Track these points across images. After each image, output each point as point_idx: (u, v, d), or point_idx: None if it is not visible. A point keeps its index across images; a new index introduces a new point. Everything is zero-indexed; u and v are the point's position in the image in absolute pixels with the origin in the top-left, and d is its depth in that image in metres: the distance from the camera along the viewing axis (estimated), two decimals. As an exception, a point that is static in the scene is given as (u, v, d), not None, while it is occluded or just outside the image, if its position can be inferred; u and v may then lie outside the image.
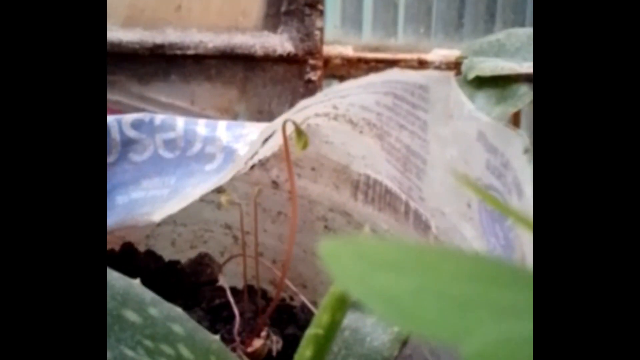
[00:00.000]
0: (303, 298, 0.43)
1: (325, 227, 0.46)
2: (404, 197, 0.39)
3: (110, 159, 0.44)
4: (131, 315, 0.31)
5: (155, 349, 0.32)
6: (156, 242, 0.51)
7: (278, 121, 0.36)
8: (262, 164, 0.45)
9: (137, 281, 0.32)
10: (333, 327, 0.25)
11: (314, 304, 0.51)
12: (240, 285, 0.50)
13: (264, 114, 0.58)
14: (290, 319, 0.48)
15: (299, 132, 0.34)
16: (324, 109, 0.38)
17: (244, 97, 0.58)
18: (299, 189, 0.46)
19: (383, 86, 0.33)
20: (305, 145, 0.35)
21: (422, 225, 0.38)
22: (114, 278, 0.31)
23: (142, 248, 0.51)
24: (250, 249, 0.52)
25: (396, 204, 0.40)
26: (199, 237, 0.51)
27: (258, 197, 0.47)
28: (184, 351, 0.32)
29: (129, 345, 0.31)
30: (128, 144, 0.44)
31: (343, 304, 0.25)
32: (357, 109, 0.37)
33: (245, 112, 0.58)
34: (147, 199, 0.42)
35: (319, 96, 0.35)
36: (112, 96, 0.54)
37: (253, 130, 0.43)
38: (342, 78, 0.70)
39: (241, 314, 0.47)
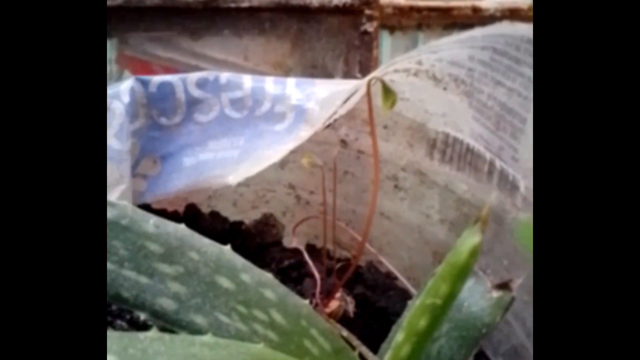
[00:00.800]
0: (389, 265, 0.43)
1: (395, 186, 0.45)
2: (488, 156, 0.37)
3: (175, 119, 0.43)
4: (224, 282, 0.31)
5: (249, 314, 0.31)
6: (218, 202, 0.50)
7: (362, 80, 0.35)
8: (330, 122, 0.44)
9: (227, 247, 0.31)
10: (451, 298, 0.24)
11: (380, 263, 0.50)
12: (300, 245, 0.49)
13: (318, 69, 0.56)
14: (357, 279, 0.48)
15: (387, 90, 0.33)
16: (406, 65, 0.36)
17: (297, 51, 0.56)
18: (369, 148, 0.45)
19: (483, 40, 0.31)
20: (393, 104, 0.33)
21: (509, 185, 0.36)
22: (206, 245, 0.31)
23: (204, 209, 0.50)
24: (313, 209, 0.51)
25: (478, 163, 0.38)
26: (260, 197, 0.50)
27: (327, 157, 0.46)
28: (277, 316, 0.32)
29: (224, 312, 0.31)
30: (193, 103, 0.43)
31: (465, 275, 0.24)
32: (444, 65, 0.35)
33: (298, 67, 0.56)
34: (217, 161, 0.41)
35: (409, 54, 0.33)
36: (164, 53, 0.52)
37: (323, 88, 0.41)
38: (392, 29, 0.67)
39: (312, 275, 0.46)
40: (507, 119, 0.33)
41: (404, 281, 0.44)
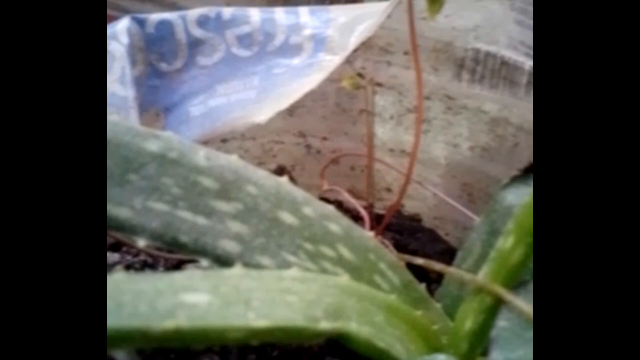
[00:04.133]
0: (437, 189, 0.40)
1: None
2: (528, 65, 0.35)
3: (176, 64, 0.38)
4: (287, 217, 0.27)
5: (316, 252, 0.28)
6: (221, 162, 0.46)
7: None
8: (357, 48, 0.40)
9: (284, 179, 0.28)
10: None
11: (402, 206, 0.48)
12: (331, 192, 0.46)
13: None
14: (387, 228, 0.45)
15: (434, -7, 0.30)
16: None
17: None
18: (388, 80, 0.42)
19: None
20: (440, 7, 0.31)
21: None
22: (262, 177, 0.27)
23: (208, 170, 0.46)
24: (324, 158, 0.47)
25: (515, 75, 0.36)
26: (267, 152, 0.46)
27: (344, 95, 0.43)
28: (344, 251, 0.29)
29: (290, 251, 0.27)
30: (195, 45, 0.38)
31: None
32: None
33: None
34: (233, 104, 0.37)
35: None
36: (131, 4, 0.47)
37: (341, 14, 0.38)
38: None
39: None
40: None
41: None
